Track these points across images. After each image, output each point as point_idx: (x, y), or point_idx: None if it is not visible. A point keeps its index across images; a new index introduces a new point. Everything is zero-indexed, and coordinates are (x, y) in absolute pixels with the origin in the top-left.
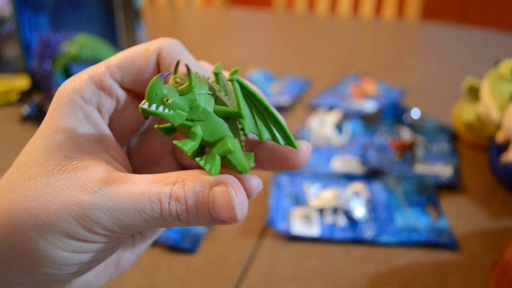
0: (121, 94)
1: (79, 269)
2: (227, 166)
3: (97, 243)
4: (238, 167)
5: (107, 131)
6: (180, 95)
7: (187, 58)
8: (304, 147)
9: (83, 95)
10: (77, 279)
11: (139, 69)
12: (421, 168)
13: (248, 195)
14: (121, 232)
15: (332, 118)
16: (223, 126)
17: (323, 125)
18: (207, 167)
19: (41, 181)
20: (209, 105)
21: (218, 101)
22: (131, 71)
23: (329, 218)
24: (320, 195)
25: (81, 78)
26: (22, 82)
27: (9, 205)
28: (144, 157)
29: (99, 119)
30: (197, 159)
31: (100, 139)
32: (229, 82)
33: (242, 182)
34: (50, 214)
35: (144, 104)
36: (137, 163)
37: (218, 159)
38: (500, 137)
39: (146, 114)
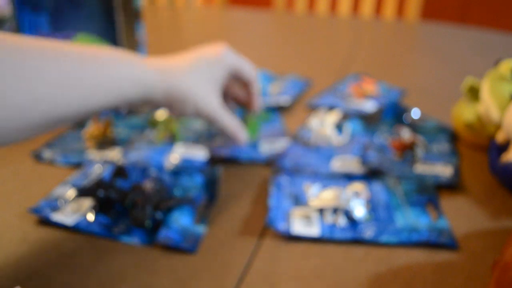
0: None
1: None
2: None
3: None
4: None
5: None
6: None
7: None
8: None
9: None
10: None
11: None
12: (421, 168)
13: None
14: None
15: (332, 118)
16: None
17: (323, 125)
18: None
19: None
20: None
21: None
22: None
23: (329, 218)
24: (320, 195)
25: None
26: None
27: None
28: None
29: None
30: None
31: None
32: None
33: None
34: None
35: None
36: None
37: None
38: (500, 137)
39: None
